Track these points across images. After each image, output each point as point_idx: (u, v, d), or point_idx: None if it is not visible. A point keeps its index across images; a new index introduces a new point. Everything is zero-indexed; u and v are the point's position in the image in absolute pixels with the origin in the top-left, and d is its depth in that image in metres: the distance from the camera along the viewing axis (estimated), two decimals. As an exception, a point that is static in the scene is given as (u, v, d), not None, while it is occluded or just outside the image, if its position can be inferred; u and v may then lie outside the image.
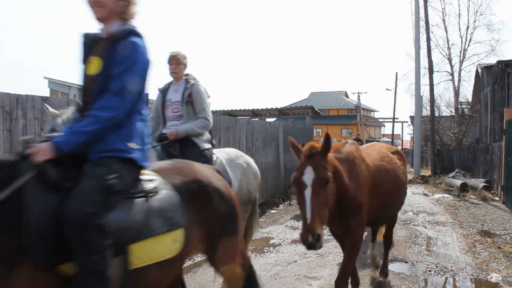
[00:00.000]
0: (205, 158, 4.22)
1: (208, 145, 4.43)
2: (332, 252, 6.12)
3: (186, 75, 4.57)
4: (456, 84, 28.45)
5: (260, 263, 5.64)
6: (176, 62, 4.44)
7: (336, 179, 3.26)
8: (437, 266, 5.60)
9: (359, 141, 15.25)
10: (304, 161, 3.16)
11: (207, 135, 4.51)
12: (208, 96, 4.65)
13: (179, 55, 4.44)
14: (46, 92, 30.63)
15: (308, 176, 3.06)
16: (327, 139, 3.14)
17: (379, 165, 3.99)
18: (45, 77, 33.34)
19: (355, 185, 3.49)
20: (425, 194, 13.81)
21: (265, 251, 6.39)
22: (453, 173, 16.95)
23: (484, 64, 21.65)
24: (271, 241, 7.02)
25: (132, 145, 2.36)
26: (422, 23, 20.55)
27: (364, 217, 3.66)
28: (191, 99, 4.40)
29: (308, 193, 3.02)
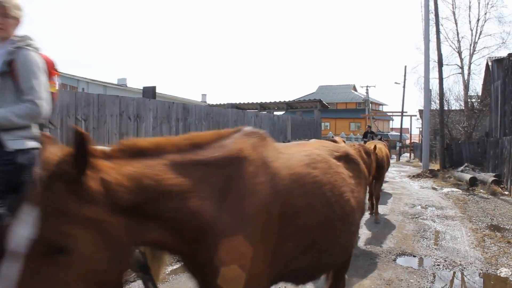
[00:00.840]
0: (12, 165, 2.67)
1: (27, 144, 2.79)
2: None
3: (22, 36, 2.99)
4: (466, 77, 28.16)
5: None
6: (1, 13, 2.89)
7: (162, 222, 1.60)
8: (445, 261, 5.56)
9: (371, 133, 14.97)
10: (36, 195, 1.36)
11: (29, 130, 2.86)
12: (53, 72, 3.15)
13: (7, 3, 2.90)
14: (55, 86, 30.73)
15: (22, 232, 1.28)
16: (80, 141, 1.36)
17: (302, 175, 2.14)
18: (53, 71, 33.53)
19: (233, 221, 1.74)
20: (434, 188, 13.73)
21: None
22: (462, 167, 16.82)
23: (495, 57, 21.37)
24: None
25: None
26: (432, 16, 20.30)
27: (258, 272, 1.84)
28: (13, 70, 2.81)
29: (10, 268, 1.24)
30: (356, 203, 2.54)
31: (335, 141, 8.39)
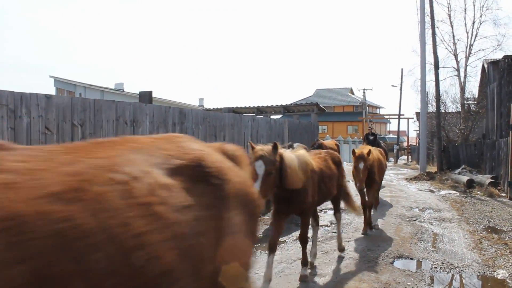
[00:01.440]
0: None
1: None
2: (337, 249, 6.10)
3: None
4: (462, 79, 28.33)
5: (265, 260, 5.63)
6: None
7: None
8: (443, 263, 5.56)
9: (372, 135, 14.75)
10: None
11: None
12: None
13: None
14: (52, 91, 30.78)
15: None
16: None
17: (23, 219, 1.05)
18: (50, 76, 33.58)
19: None
20: (431, 191, 13.74)
21: (270, 248, 6.36)
22: (460, 169, 16.85)
23: (491, 59, 21.49)
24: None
25: None
26: (428, 19, 20.41)
27: None
28: None
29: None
30: (183, 260, 1.36)
31: (321, 145, 8.15)
